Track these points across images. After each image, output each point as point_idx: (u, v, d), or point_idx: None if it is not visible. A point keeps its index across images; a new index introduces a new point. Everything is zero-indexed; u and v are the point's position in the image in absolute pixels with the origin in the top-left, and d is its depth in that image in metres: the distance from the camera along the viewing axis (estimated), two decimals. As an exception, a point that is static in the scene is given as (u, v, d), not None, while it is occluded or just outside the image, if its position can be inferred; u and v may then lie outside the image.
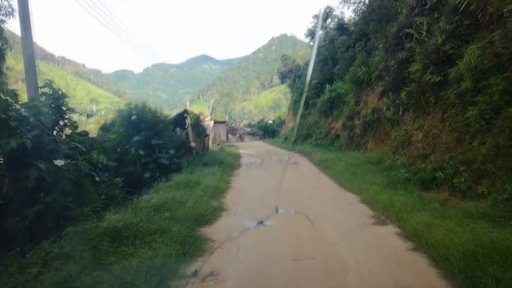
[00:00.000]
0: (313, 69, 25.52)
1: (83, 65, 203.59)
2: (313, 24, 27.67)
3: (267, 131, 46.73)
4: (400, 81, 10.02)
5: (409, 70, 8.84)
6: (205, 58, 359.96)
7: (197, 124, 14.56)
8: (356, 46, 16.94)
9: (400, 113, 9.98)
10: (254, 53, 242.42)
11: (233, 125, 56.66)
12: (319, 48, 25.04)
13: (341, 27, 23.43)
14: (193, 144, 13.68)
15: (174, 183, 7.44)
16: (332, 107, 18.40)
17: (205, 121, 23.70)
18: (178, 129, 13.27)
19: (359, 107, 14.65)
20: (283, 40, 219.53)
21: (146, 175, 8.99)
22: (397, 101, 10.16)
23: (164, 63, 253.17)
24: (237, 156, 16.30)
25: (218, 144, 27.53)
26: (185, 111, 14.02)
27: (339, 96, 17.74)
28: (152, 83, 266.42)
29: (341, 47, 20.11)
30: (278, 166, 13.04)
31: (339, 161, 10.64)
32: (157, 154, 9.48)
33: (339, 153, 13.03)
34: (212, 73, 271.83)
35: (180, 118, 13.61)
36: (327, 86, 19.05)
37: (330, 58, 22.45)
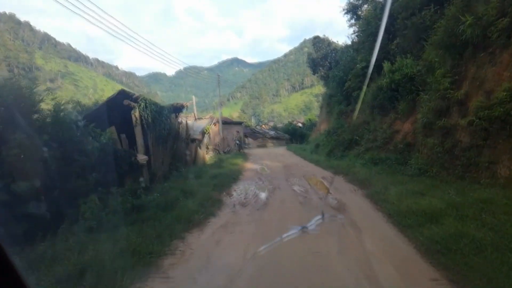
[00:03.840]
0: (358, 49, 18.38)
1: (116, 67, 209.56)
2: (354, -4, 20.74)
3: (295, 135, 39.58)
4: None
5: None
6: (236, 61, 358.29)
7: (158, 119, 8.14)
8: (423, 13, 11.34)
9: None
10: (285, 55, 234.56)
11: (256, 127, 49.85)
12: (367, 19, 17.85)
13: (398, -11, 16.39)
14: (142, 158, 7.32)
15: None
16: (394, 98, 11.32)
17: (200, 119, 17.48)
18: (113, 128, 7.02)
19: (461, 91, 7.60)
20: (316, 41, 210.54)
21: None
22: None
23: (195, 66, 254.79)
24: (234, 179, 9.52)
25: (226, 152, 21.08)
26: (122, 91, 7.47)
27: (407, 79, 10.64)
28: (184, 85, 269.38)
29: (403, 12, 13.43)
30: (303, 219, 5.63)
31: (468, 222, 3.67)
32: None
33: (437, 188, 6.00)
34: (243, 76, 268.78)
35: (117, 108, 7.18)
36: (386, 64, 11.92)
37: (384, 31, 15.27)
